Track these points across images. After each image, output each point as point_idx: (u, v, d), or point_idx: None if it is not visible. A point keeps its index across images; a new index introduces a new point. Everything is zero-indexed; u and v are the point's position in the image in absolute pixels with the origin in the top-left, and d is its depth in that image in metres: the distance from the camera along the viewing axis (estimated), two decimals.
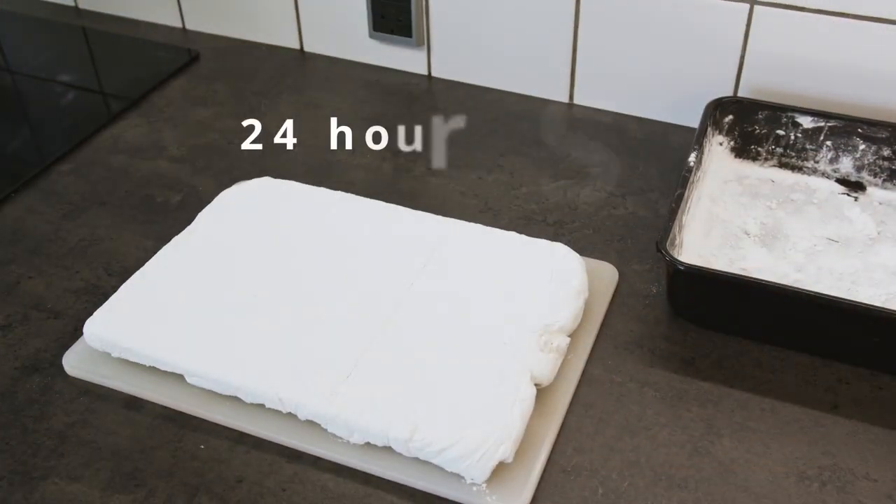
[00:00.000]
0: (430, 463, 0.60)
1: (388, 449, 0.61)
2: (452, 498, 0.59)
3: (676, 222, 0.71)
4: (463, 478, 0.59)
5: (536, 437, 0.62)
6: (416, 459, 0.60)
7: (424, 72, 1.05)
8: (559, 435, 0.64)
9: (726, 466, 0.61)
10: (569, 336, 0.68)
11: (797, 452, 0.62)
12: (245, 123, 0.98)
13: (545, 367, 0.64)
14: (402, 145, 0.94)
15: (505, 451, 0.59)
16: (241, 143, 0.95)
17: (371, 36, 1.04)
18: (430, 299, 0.69)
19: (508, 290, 0.70)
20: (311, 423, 0.63)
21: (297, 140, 0.95)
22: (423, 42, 1.02)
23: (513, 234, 0.75)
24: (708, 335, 0.71)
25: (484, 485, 0.59)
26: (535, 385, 0.63)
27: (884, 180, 0.82)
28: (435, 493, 0.60)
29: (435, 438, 0.59)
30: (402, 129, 0.97)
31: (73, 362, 0.69)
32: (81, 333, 0.70)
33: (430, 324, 0.67)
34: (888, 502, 0.59)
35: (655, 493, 0.60)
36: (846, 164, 0.83)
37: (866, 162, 0.82)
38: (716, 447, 0.63)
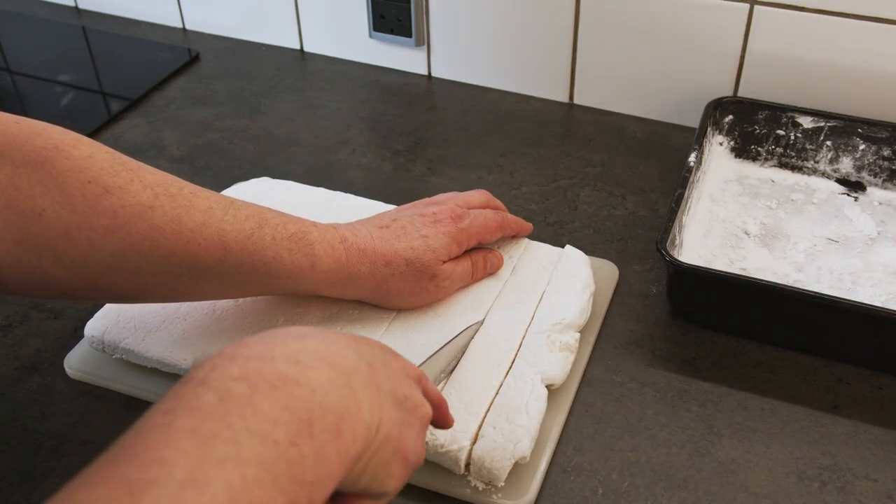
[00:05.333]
0: (433, 462, 0.60)
1: None
2: (459, 497, 0.59)
3: (676, 222, 0.71)
4: (469, 476, 0.59)
5: (541, 437, 0.62)
6: None
7: (424, 72, 1.05)
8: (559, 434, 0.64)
9: (726, 466, 0.62)
10: (578, 332, 0.68)
11: (797, 452, 0.62)
12: (245, 123, 0.98)
13: (556, 367, 0.64)
14: (402, 145, 0.94)
15: (523, 450, 0.59)
16: (241, 143, 0.95)
17: (371, 36, 1.04)
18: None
19: (514, 291, 0.70)
20: None
21: (297, 140, 0.95)
22: (423, 42, 1.02)
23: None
24: (708, 335, 0.71)
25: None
26: (548, 386, 0.63)
27: (884, 180, 0.82)
28: (440, 491, 0.60)
29: (447, 440, 0.59)
30: (401, 129, 0.97)
31: (74, 364, 0.69)
32: (82, 334, 0.69)
33: (434, 324, 0.67)
34: (888, 502, 0.59)
35: (655, 493, 0.60)
36: (846, 164, 0.83)
37: (866, 162, 0.82)
38: (716, 447, 0.63)
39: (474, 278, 0.70)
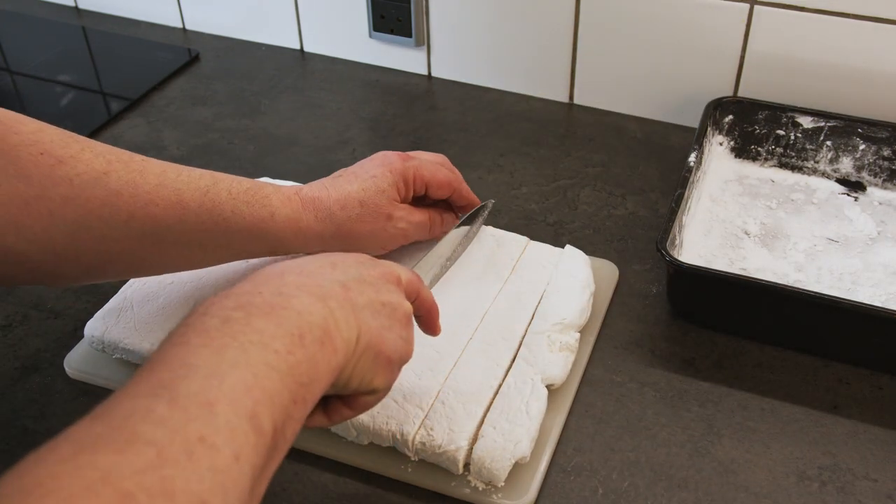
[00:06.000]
0: (432, 462, 0.60)
1: (390, 448, 0.61)
2: (459, 497, 0.59)
3: (676, 222, 0.71)
4: (469, 476, 0.59)
5: (541, 437, 0.62)
6: (418, 458, 0.60)
7: (424, 72, 1.05)
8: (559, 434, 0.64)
9: (726, 466, 0.62)
10: (578, 332, 0.68)
11: (797, 452, 0.62)
12: (245, 123, 0.98)
13: (556, 367, 0.64)
14: (402, 145, 0.94)
15: (523, 451, 0.59)
16: (241, 143, 0.95)
17: (371, 36, 1.04)
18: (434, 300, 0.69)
19: (514, 290, 0.70)
20: None
21: (297, 140, 0.95)
22: (423, 42, 1.02)
23: (516, 235, 0.76)
24: (708, 335, 0.71)
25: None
26: (548, 386, 0.63)
27: (884, 180, 0.82)
28: (440, 491, 0.60)
29: (445, 440, 0.59)
30: (401, 129, 0.97)
31: (74, 363, 0.69)
32: (82, 334, 0.70)
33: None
34: (888, 502, 0.59)
35: (655, 493, 0.60)
36: (846, 164, 0.83)
37: (866, 162, 0.82)
38: (716, 447, 0.63)
39: (432, 233, 0.72)
